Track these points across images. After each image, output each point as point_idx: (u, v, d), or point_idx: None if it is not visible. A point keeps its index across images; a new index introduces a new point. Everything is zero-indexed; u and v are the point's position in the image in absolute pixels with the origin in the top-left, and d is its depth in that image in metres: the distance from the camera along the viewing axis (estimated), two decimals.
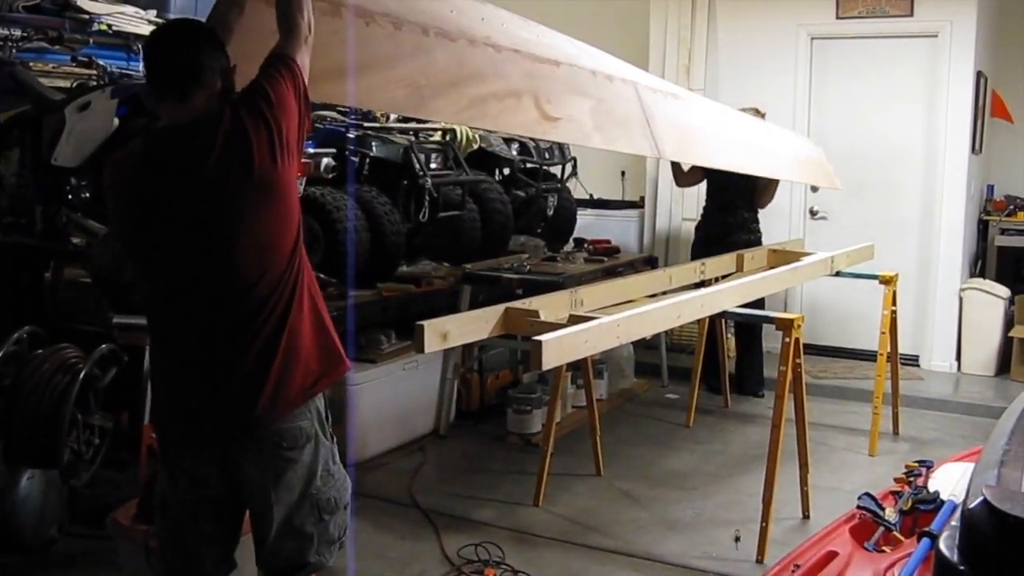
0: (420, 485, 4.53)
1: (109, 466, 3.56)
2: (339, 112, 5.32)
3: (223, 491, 2.32)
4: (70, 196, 4.35)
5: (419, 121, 5.69)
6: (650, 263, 6.60)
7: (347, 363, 2.43)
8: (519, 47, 3.26)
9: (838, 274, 5.27)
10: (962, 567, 1.42)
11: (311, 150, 4.62)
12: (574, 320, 3.37)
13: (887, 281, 5.09)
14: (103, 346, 3.40)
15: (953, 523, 1.52)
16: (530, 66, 3.30)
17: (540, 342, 2.88)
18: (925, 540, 2.40)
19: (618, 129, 3.76)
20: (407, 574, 3.64)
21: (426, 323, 3.16)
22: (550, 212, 6.73)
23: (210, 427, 2.27)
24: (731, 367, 6.16)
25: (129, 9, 5.56)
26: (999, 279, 6.87)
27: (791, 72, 6.99)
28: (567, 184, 6.98)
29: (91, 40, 5.27)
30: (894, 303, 5.12)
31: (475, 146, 5.92)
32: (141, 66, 3.16)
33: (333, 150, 4.79)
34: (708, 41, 7.22)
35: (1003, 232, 7.12)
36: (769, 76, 6.98)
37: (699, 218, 6.30)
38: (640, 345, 6.18)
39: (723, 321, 5.61)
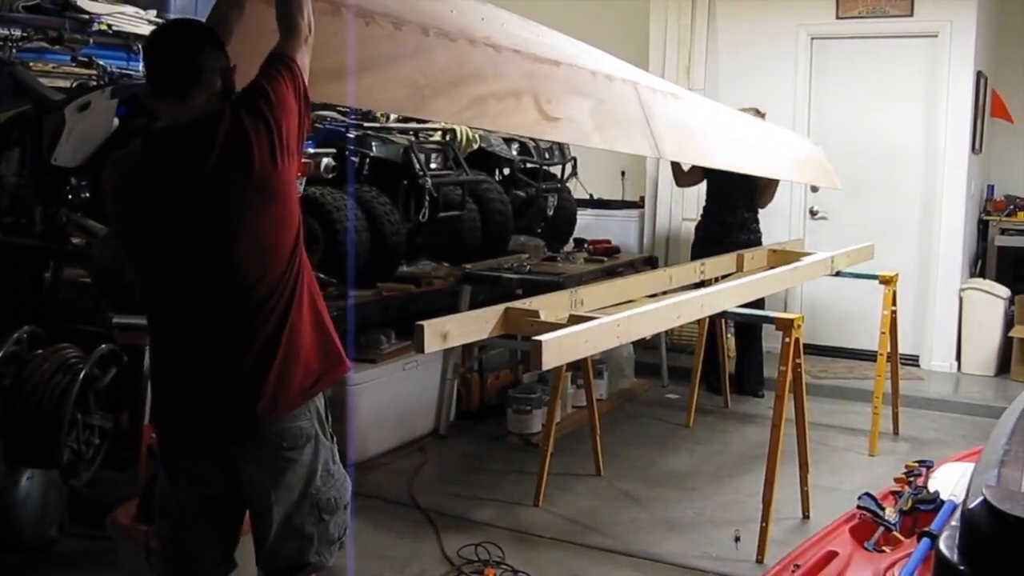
0: (420, 485, 4.53)
1: (109, 466, 3.56)
2: (339, 112, 5.32)
3: (223, 491, 2.32)
4: (70, 196, 4.35)
5: (419, 121, 5.69)
6: (650, 263, 6.60)
7: (347, 363, 2.43)
8: (519, 47, 3.26)
9: (838, 274, 5.27)
10: (962, 567, 1.42)
11: (311, 150, 4.62)
12: (574, 320, 3.37)
13: (887, 281, 5.10)
14: (103, 346, 3.40)
15: (953, 523, 1.52)
16: (530, 66, 3.30)
17: (540, 342, 2.88)
18: (925, 540, 2.40)
19: (618, 129, 3.76)
20: (407, 574, 3.64)
21: (426, 323, 3.15)
22: (550, 212, 6.73)
23: (210, 427, 2.27)
24: (731, 367, 6.16)
25: (129, 9, 5.56)
26: (999, 279, 6.87)
27: (791, 72, 6.99)
28: (567, 184, 6.98)
29: (91, 40, 5.27)
30: (894, 303, 5.12)
31: (475, 146, 5.92)
32: (141, 66, 3.16)
33: (333, 150, 4.79)
34: (708, 41, 7.22)
35: (1003, 232, 7.12)
36: (769, 76, 6.98)
37: (699, 218, 6.30)
38: (640, 345, 6.18)
39: (723, 321, 5.61)
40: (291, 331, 2.25)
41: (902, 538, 2.71)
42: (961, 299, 6.68)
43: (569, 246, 6.73)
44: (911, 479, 3.03)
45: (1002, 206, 7.24)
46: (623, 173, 8.07)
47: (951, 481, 2.86)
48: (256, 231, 2.20)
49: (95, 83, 4.86)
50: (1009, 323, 6.58)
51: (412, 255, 5.59)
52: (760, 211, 6.11)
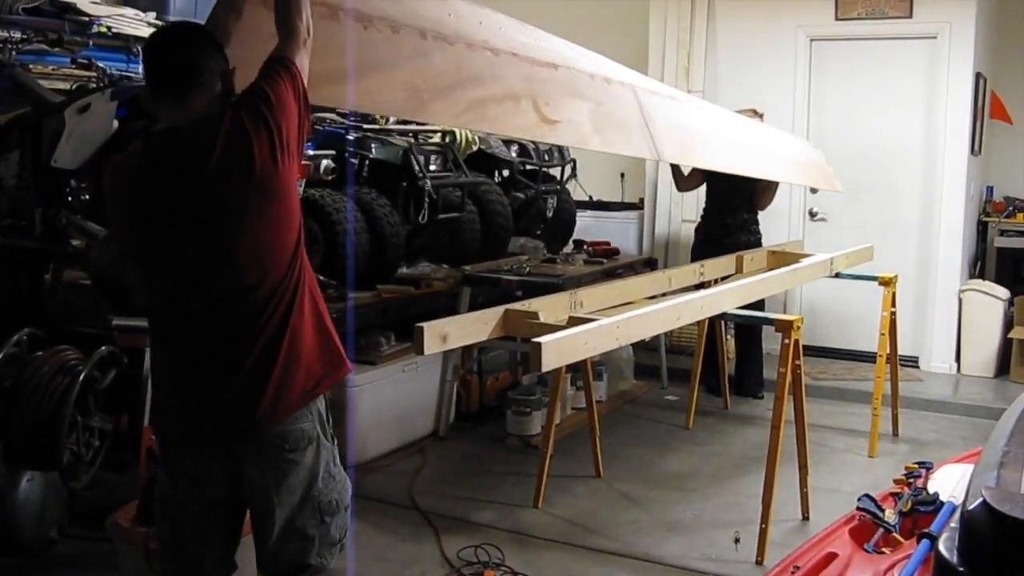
0: (420, 487, 4.53)
1: (109, 468, 3.55)
2: (338, 114, 5.32)
3: (224, 492, 2.32)
4: (70, 198, 4.35)
5: (418, 123, 5.69)
6: (650, 265, 6.61)
7: (348, 365, 2.44)
8: (517, 50, 3.26)
9: (837, 275, 5.26)
10: (961, 568, 1.42)
11: (311, 152, 4.62)
12: (574, 322, 3.37)
13: (886, 282, 5.10)
14: (103, 348, 3.40)
15: (953, 524, 1.52)
16: (528, 69, 3.30)
17: (540, 344, 2.88)
18: (925, 541, 2.40)
19: (617, 131, 3.76)
20: None
21: (426, 325, 3.15)
22: (550, 214, 6.73)
23: (210, 427, 2.27)
24: (731, 369, 6.16)
25: (129, 11, 5.55)
26: (998, 280, 6.88)
27: (790, 74, 6.99)
28: (566, 186, 6.98)
29: (91, 42, 5.26)
30: (893, 304, 5.13)
31: (474, 148, 5.92)
32: (141, 68, 3.16)
33: (333, 152, 4.79)
34: (707, 43, 7.22)
35: (1002, 233, 7.12)
36: (768, 78, 6.98)
37: (699, 220, 6.30)
38: (640, 347, 6.18)
39: (723, 323, 5.61)
40: (293, 334, 2.26)
41: (902, 539, 2.70)
42: (960, 300, 6.68)
43: (569, 248, 6.73)
44: (911, 480, 3.03)
45: (1001, 207, 7.24)
46: (622, 175, 8.07)
47: (951, 482, 2.86)
48: (257, 233, 2.20)
49: (95, 85, 4.86)
50: (1008, 324, 6.59)
51: (412, 257, 5.59)
52: (760, 213, 6.11)
